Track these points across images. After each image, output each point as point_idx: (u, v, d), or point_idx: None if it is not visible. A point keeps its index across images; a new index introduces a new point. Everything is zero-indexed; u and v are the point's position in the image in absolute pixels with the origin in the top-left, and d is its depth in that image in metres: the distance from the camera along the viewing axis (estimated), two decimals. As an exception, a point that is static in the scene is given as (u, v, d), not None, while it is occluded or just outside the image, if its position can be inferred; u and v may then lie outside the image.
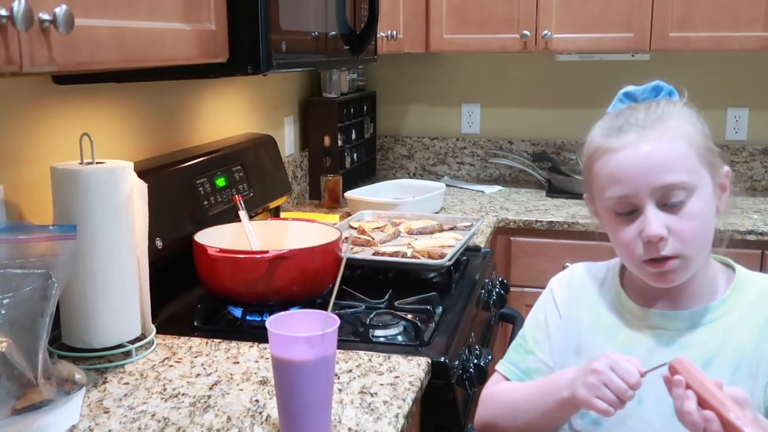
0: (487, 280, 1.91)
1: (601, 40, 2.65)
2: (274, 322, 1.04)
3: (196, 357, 1.33)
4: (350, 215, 2.24)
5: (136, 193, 1.33)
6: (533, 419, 1.14)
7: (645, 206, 1.03)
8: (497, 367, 1.26)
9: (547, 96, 3.07)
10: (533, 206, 2.65)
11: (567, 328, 1.19)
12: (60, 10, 0.85)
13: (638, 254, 1.05)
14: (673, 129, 1.04)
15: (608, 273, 1.21)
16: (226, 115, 2.18)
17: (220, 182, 1.84)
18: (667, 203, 1.03)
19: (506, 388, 1.22)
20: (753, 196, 2.81)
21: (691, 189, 1.03)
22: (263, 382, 1.23)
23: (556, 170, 2.87)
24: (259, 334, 1.39)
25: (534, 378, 1.19)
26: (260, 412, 1.13)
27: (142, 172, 1.39)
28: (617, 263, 1.20)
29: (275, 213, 2.18)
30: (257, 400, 1.17)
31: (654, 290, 1.11)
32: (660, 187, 1.02)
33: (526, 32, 2.67)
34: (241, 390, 1.20)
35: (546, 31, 2.65)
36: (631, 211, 1.05)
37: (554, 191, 2.83)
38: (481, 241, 2.18)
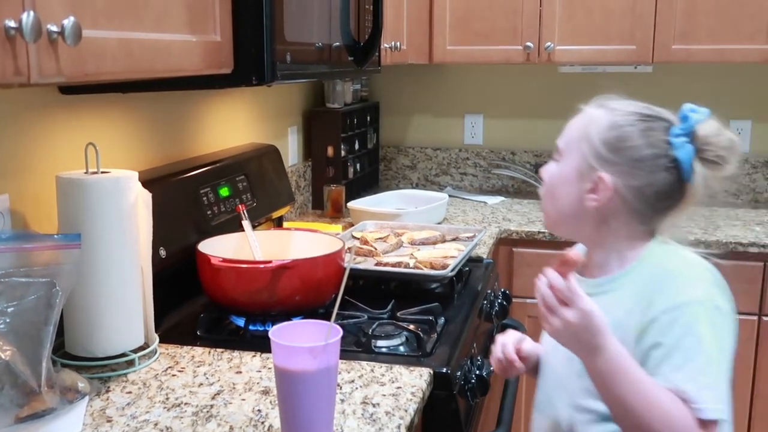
0: (489, 291, 1.91)
1: (603, 52, 2.66)
2: (277, 332, 1.05)
3: (198, 366, 1.34)
4: (353, 225, 2.25)
5: (140, 203, 1.34)
6: None
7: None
8: None
9: (549, 107, 3.08)
10: (536, 217, 2.65)
11: None
12: (68, 21, 0.86)
13: None
14: (591, 111, 1.19)
15: None
16: (230, 125, 2.19)
17: (224, 192, 1.85)
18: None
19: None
20: (755, 209, 2.81)
21: (561, 154, 1.21)
22: (266, 392, 1.23)
23: (558, 181, 2.87)
24: (261, 344, 1.40)
25: None
26: (262, 422, 1.13)
27: (147, 182, 1.40)
28: None
29: (278, 223, 2.19)
30: (259, 410, 1.17)
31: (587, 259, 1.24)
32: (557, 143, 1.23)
33: (529, 44, 2.68)
34: (243, 400, 1.20)
35: (549, 43, 2.66)
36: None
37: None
38: (483, 251, 2.19)
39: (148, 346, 1.37)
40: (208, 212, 1.76)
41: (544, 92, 3.07)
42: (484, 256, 2.14)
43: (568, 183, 1.18)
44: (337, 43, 1.83)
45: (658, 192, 1.13)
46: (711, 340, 1.05)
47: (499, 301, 1.94)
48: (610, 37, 2.63)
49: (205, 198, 1.77)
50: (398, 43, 2.48)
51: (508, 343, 1.31)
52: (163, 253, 1.54)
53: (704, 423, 1.02)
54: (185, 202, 1.70)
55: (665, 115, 1.16)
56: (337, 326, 1.05)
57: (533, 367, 1.33)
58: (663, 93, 2.95)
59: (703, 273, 1.13)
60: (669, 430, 1.01)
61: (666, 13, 2.56)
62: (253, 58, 1.39)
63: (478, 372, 1.49)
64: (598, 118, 1.16)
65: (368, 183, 3.09)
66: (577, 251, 1.04)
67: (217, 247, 1.59)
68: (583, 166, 1.16)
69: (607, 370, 1.03)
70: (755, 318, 2.35)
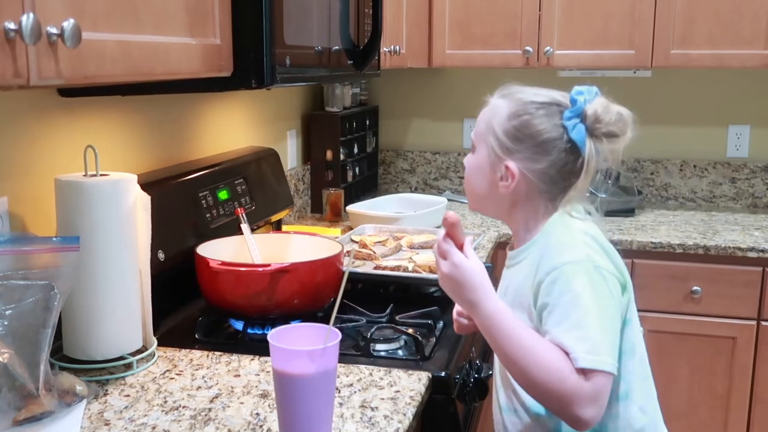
0: (488, 295, 1.90)
1: (602, 57, 2.66)
2: (275, 336, 1.04)
3: (197, 369, 1.33)
4: (352, 229, 2.25)
5: (139, 206, 1.33)
6: None
7: None
8: None
9: (548, 112, 3.08)
10: (534, 221, 2.65)
11: None
12: (67, 24, 0.86)
13: None
14: (496, 101, 1.27)
15: None
16: (229, 128, 2.19)
17: (223, 195, 1.85)
18: None
19: None
20: (754, 213, 2.82)
21: (474, 144, 1.28)
22: (264, 395, 1.23)
23: (557, 186, 2.87)
24: (260, 347, 1.39)
25: None
26: (261, 426, 1.13)
27: (146, 185, 1.40)
28: None
29: (277, 226, 2.19)
30: (258, 414, 1.17)
31: None
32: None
33: (528, 48, 2.68)
34: (241, 403, 1.20)
35: (548, 47, 2.67)
36: None
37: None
38: (482, 255, 2.18)
39: (147, 350, 1.37)
40: (207, 215, 1.76)
41: (543, 96, 3.07)
42: (483, 260, 2.13)
43: (481, 172, 1.26)
44: (337, 47, 1.83)
45: (560, 171, 1.21)
46: (589, 296, 1.13)
47: (498, 305, 1.93)
48: (609, 41, 2.64)
49: (204, 201, 1.77)
50: (398, 47, 2.48)
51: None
52: (162, 256, 1.53)
53: (584, 372, 1.09)
54: (184, 205, 1.70)
55: (559, 100, 1.23)
56: (336, 330, 1.05)
57: None
58: (662, 97, 2.96)
59: (582, 237, 1.20)
60: (547, 374, 1.10)
61: (665, 18, 2.57)
62: (252, 62, 1.40)
63: (476, 376, 1.49)
64: (500, 108, 1.25)
65: (367, 187, 3.09)
66: (452, 213, 1.16)
67: (215, 251, 1.59)
68: (492, 156, 1.24)
69: (487, 325, 1.15)
70: (754, 323, 2.35)
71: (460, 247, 1.17)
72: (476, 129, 1.28)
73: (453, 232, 1.17)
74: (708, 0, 2.53)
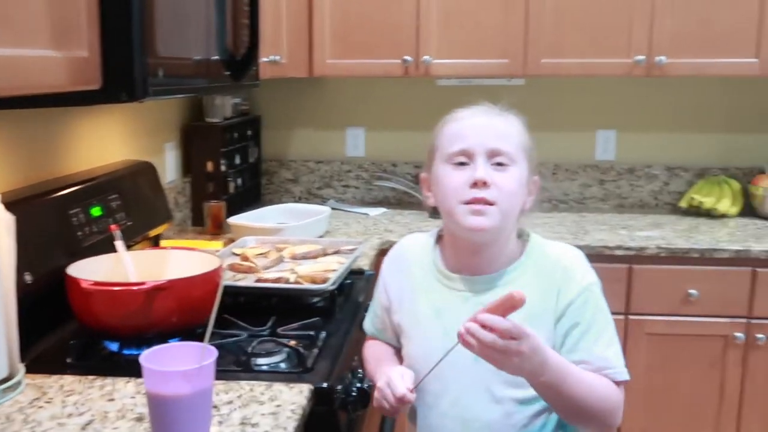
0: (370, 303, 1.92)
1: (478, 66, 2.74)
2: (148, 357, 1.02)
3: (68, 396, 1.28)
4: (234, 241, 2.22)
5: (1, 227, 1.27)
6: None
7: (476, 159, 1.24)
8: (364, 321, 1.51)
9: (429, 119, 3.09)
10: (416, 227, 2.70)
11: (395, 295, 1.39)
12: None
13: (463, 196, 1.24)
14: (514, 122, 1.29)
15: (428, 242, 1.40)
16: (102, 142, 2.12)
17: (96, 212, 1.78)
18: (494, 162, 1.24)
19: (367, 348, 1.48)
20: (621, 213, 2.98)
21: (513, 160, 1.25)
22: (140, 418, 1.20)
23: (438, 192, 2.94)
24: (136, 369, 1.33)
25: (384, 336, 1.45)
26: (136, 450, 1.10)
27: (10, 204, 1.33)
28: (434, 234, 1.40)
29: (155, 242, 2.13)
30: (133, 438, 1.14)
31: (461, 259, 1.31)
32: (493, 148, 1.24)
33: (407, 57, 2.73)
34: (116, 428, 1.16)
35: (426, 57, 2.73)
36: (465, 163, 1.25)
37: (437, 212, 2.87)
38: (365, 263, 2.21)
39: (12, 378, 1.30)
40: (79, 233, 1.70)
41: (424, 105, 3.14)
42: (366, 268, 2.16)
43: (522, 189, 1.27)
44: (215, 58, 1.81)
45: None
46: (608, 312, 1.26)
47: (381, 312, 1.96)
48: (485, 51, 2.72)
49: (75, 218, 1.70)
50: (277, 57, 2.48)
51: (398, 386, 1.21)
52: (28, 278, 1.46)
53: (618, 384, 1.22)
54: (53, 224, 1.63)
55: None
56: (212, 347, 1.03)
57: None
58: (535, 104, 3.08)
59: (585, 259, 1.31)
60: (605, 404, 1.19)
61: (535, 29, 2.68)
62: (122, 74, 1.36)
63: (359, 385, 1.50)
64: (518, 124, 1.29)
65: (250, 198, 3.05)
66: (521, 291, 1.06)
67: (88, 270, 1.53)
68: (526, 172, 1.27)
69: (554, 379, 1.14)
70: (622, 317, 2.49)
71: (510, 301, 1.08)
72: (511, 143, 1.25)
73: (508, 311, 1.07)
74: (575, 13, 2.66)
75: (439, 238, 1.39)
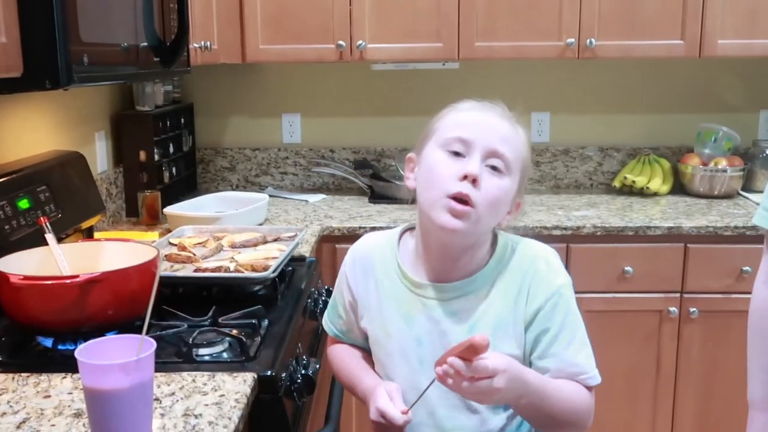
0: (313, 289, 1.91)
1: (412, 50, 2.74)
2: (84, 351, 0.99)
3: (1, 394, 1.23)
4: (170, 232, 2.17)
5: None
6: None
7: (474, 153, 1.16)
8: (323, 322, 1.43)
9: (365, 104, 3.14)
10: (356, 213, 2.69)
11: (360, 296, 1.32)
12: None
13: (449, 188, 1.15)
14: (521, 132, 1.22)
15: (391, 244, 1.32)
16: (29, 132, 2.04)
17: (23, 204, 1.72)
18: (490, 164, 1.16)
19: (333, 354, 1.41)
20: (557, 194, 3.03)
21: (509, 168, 1.17)
22: (78, 414, 1.16)
23: (377, 177, 2.94)
24: (72, 364, 1.28)
25: (349, 337, 1.38)
26: (74, 448, 1.06)
27: (-72, 198, 1.27)
28: (397, 235, 1.32)
29: (88, 234, 2.07)
30: (71, 435, 1.10)
31: (429, 262, 1.24)
32: (494, 149, 1.16)
33: (341, 42, 2.71)
34: (53, 426, 1.12)
35: (360, 41, 2.71)
36: (460, 154, 1.17)
37: (376, 197, 2.89)
38: (306, 250, 2.19)
39: (-60, 379, 1.25)
40: (6, 227, 1.63)
41: (360, 90, 3.13)
42: (307, 255, 2.14)
43: (505, 203, 1.20)
44: (143, 44, 1.76)
45: None
46: (578, 313, 1.22)
47: (324, 298, 1.94)
48: (419, 35, 2.72)
49: (1, 212, 1.64)
50: (208, 43, 2.42)
51: (394, 417, 1.17)
52: (-48, 275, 1.40)
53: (590, 388, 1.21)
54: (-22, 218, 1.56)
55: None
56: (150, 339, 1.01)
57: None
58: (470, 88, 3.08)
59: (556, 259, 1.25)
60: (580, 412, 1.19)
61: (468, 13, 2.68)
62: (45, 61, 1.31)
63: (303, 371, 1.49)
64: (524, 137, 1.21)
65: (186, 187, 2.99)
66: (483, 335, 1.03)
67: (17, 265, 1.47)
68: (516, 188, 1.20)
69: (534, 399, 1.14)
70: (562, 296, 2.52)
71: (473, 349, 1.04)
72: (513, 150, 1.17)
73: (473, 355, 1.04)
74: (506, -5, 2.68)
75: (401, 237, 1.32)
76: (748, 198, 2.87)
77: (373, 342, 1.32)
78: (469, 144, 1.16)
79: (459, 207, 1.14)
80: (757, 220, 1.48)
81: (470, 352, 1.03)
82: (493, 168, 1.16)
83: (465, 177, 1.14)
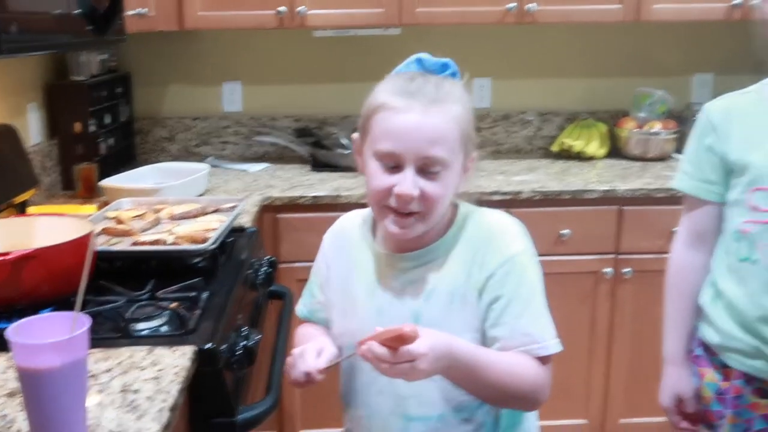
0: (254, 260, 1.91)
1: (353, 16, 2.72)
2: (16, 330, 0.98)
3: (-68, 376, 1.22)
4: (108, 204, 2.14)
5: None
6: None
7: (406, 167, 1.15)
8: (296, 309, 1.47)
9: (307, 72, 3.11)
10: (298, 182, 2.68)
11: (334, 271, 1.36)
12: None
13: (389, 201, 1.17)
14: (452, 112, 1.17)
15: (363, 218, 1.36)
16: (-45, 104, 1.98)
17: (-49, 180, 1.68)
18: (425, 170, 1.15)
19: (299, 333, 1.42)
20: (497, 159, 3.06)
21: (447, 165, 1.16)
22: (12, 394, 1.15)
23: (319, 145, 2.93)
24: (5, 343, 1.29)
25: (316, 316, 1.41)
26: (9, 428, 1.06)
27: None
28: (370, 211, 1.32)
29: (21, 209, 2.03)
30: (5, 415, 1.09)
31: (391, 236, 1.25)
32: (424, 156, 1.15)
33: (281, 8, 2.67)
34: (-13, 406, 1.12)
35: (301, 7, 2.68)
36: (393, 166, 1.17)
37: (318, 165, 2.88)
38: (246, 221, 2.18)
39: None
40: (-66, 204, 1.59)
41: (301, 57, 3.10)
42: (248, 225, 2.13)
43: (453, 186, 1.19)
44: (75, 11, 1.71)
45: None
46: (537, 283, 1.22)
47: (265, 268, 1.95)
48: (360, 1, 2.70)
49: (-73, 189, 1.59)
50: (144, 10, 2.37)
51: (308, 361, 1.22)
52: None
53: (543, 359, 1.18)
54: None
55: None
56: (85, 315, 1.00)
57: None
58: (411, 54, 3.08)
59: (516, 227, 1.25)
60: (526, 382, 1.17)
61: (408, -23, 2.67)
62: (-32, 32, 1.27)
63: (244, 343, 1.49)
64: (456, 111, 1.17)
65: (124, 159, 2.93)
66: (412, 326, 1.04)
67: (-54, 243, 1.44)
68: (461, 164, 1.20)
69: (466, 372, 1.13)
70: (502, 260, 2.57)
71: (401, 339, 1.04)
72: (448, 145, 1.15)
73: (400, 345, 1.04)
74: (446, -40, 2.67)
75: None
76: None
77: (334, 311, 1.34)
78: (400, 158, 1.15)
79: (402, 220, 1.18)
80: (676, 183, 1.54)
81: (397, 341, 1.04)
82: (431, 173, 1.15)
83: (400, 196, 1.15)
